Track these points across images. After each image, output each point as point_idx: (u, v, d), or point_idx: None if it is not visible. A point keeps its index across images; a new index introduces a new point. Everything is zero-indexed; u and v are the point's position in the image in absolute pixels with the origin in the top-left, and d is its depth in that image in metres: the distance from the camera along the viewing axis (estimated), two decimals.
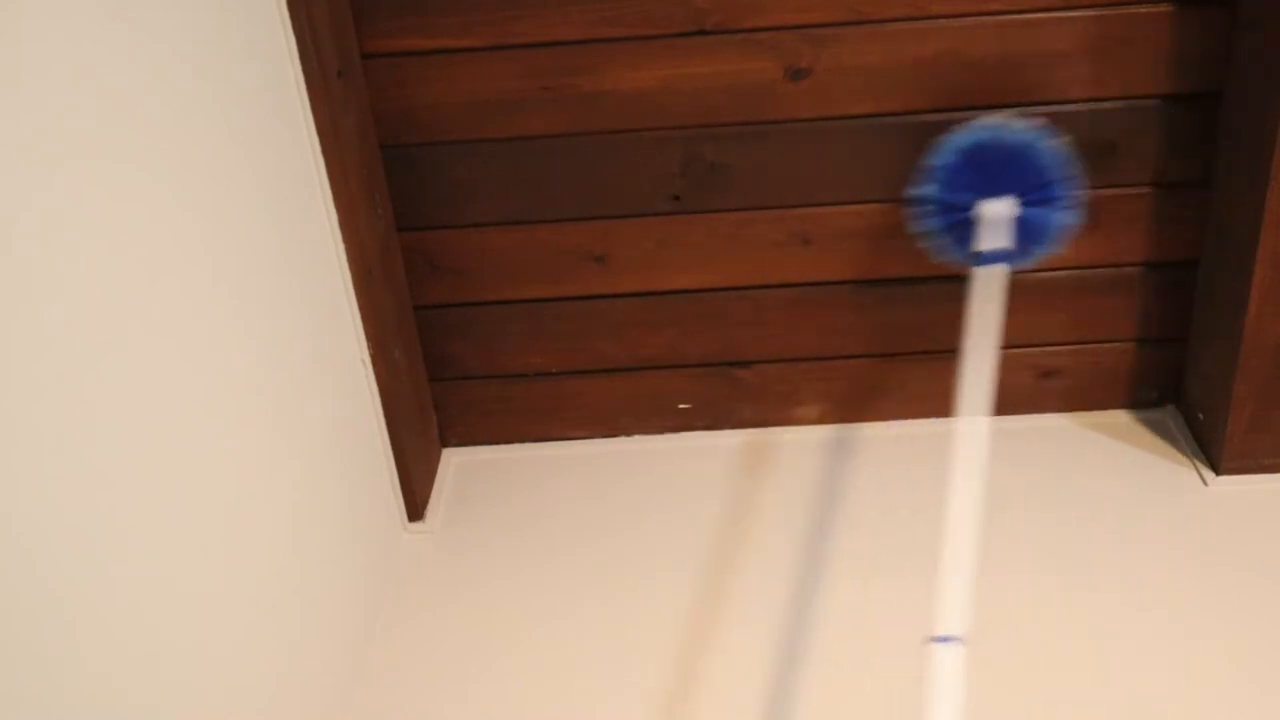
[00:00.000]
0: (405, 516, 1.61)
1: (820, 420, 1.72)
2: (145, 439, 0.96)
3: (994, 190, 1.25)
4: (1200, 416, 1.62)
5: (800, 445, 1.70)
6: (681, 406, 1.72)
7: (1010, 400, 1.70)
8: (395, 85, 1.47)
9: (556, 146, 1.52)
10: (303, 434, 1.29)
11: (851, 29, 1.44)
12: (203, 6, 1.10)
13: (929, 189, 1.27)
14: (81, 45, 0.90)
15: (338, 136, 1.36)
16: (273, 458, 1.21)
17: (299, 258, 1.30)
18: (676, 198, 1.55)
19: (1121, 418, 1.70)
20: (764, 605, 1.45)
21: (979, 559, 1.49)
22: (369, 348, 1.47)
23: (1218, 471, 1.58)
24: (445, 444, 1.76)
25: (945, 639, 1.02)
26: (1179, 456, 1.62)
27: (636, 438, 1.74)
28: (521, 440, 1.75)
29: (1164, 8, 1.42)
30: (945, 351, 1.66)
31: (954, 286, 1.61)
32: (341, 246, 1.40)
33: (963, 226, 1.27)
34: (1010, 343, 1.65)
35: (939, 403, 1.70)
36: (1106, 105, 1.48)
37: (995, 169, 1.25)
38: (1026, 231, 1.26)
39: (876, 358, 1.67)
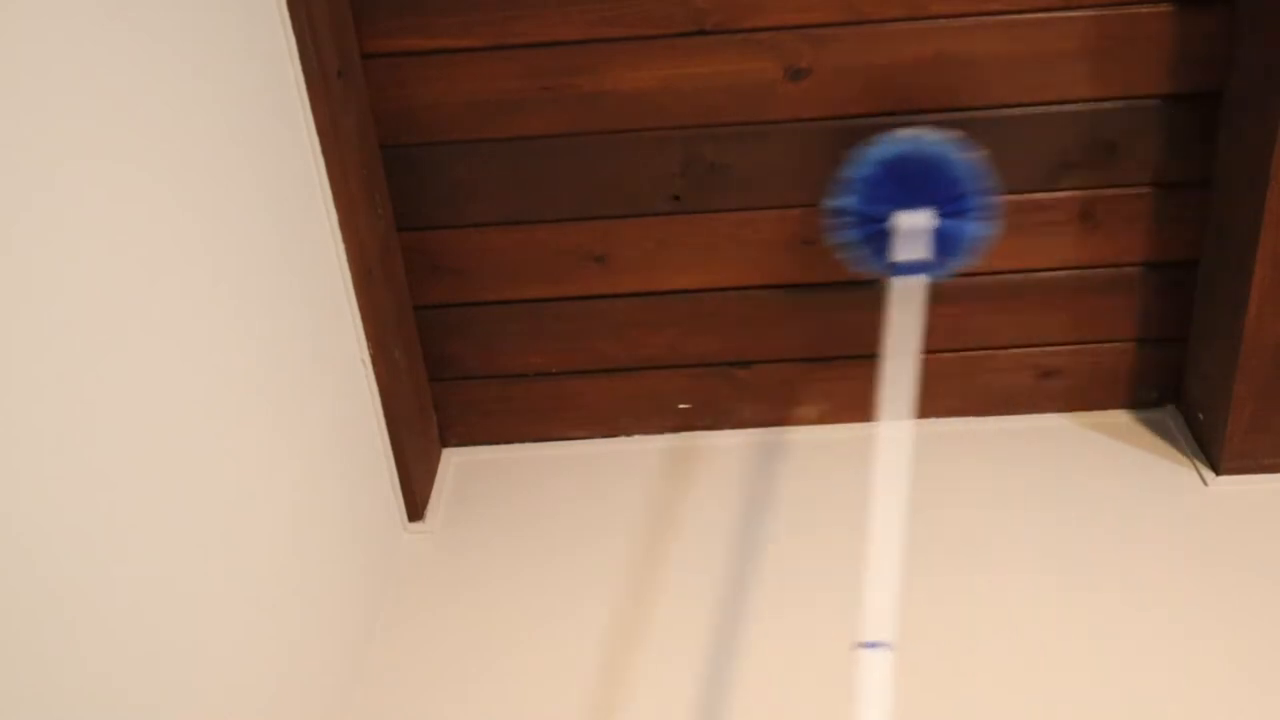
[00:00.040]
0: (405, 516, 1.61)
1: (820, 420, 1.72)
2: (145, 439, 0.96)
3: (911, 202, 1.27)
4: (1200, 416, 1.62)
5: (801, 445, 1.70)
6: (681, 406, 1.72)
7: (1010, 400, 1.70)
8: (395, 85, 1.47)
9: (556, 146, 1.52)
10: (303, 434, 1.29)
11: (851, 29, 1.44)
12: (203, 6, 1.10)
13: (847, 200, 1.29)
14: (81, 45, 0.90)
15: (338, 136, 1.36)
16: (273, 458, 1.21)
17: (299, 258, 1.30)
18: (676, 198, 1.55)
19: (1121, 418, 1.70)
20: (765, 604, 1.45)
21: (981, 560, 1.50)
22: (369, 348, 1.47)
23: (1218, 471, 1.58)
24: (445, 444, 1.76)
25: (873, 645, 1.02)
26: (1179, 456, 1.62)
27: (636, 438, 1.74)
28: (521, 440, 1.75)
29: (1164, 8, 1.42)
30: (944, 351, 1.66)
31: (952, 287, 1.61)
32: (341, 246, 1.40)
33: (881, 237, 1.29)
34: (1010, 343, 1.66)
35: (939, 403, 1.70)
36: (1106, 105, 1.48)
37: (913, 181, 1.27)
38: (943, 242, 1.27)
39: (877, 358, 1.67)
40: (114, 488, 0.91)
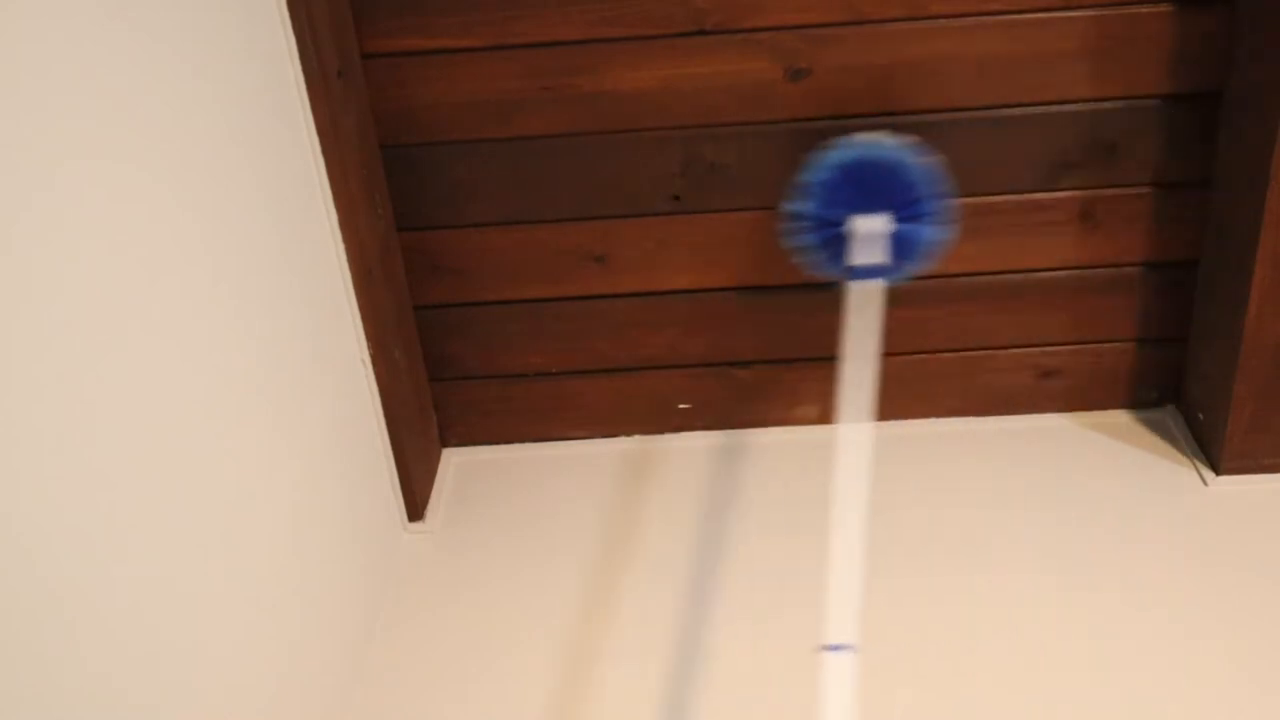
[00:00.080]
0: (405, 516, 1.61)
1: (820, 420, 1.72)
2: (145, 439, 0.96)
3: (868, 206, 1.27)
4: (1200, 416, 1.62)
5: (801, 445, 1.70)
6: (681, 406, 1.72)
7: (1010, 400, 1.70)
8: (395, 85, 1.47)
9: (556, 146, 1.52)
10: (303, 434, 1.29)
11: (851, 29, 1.44)
12: (203, 6, 1.10)
13: (804, 205, 1.29)
14: (81, 45, 0.90)
15: (338, 136, 1.36)
16: (273, 458, 1.21)
17: (299, 258, 1.30)
18: (676, 198, 1.55)
19: (1121, 418, 1.70)
20: (766, 605, 1.45)
21: (981, 560, 1.50)
22: (369, 348, 1.47)
23: (1218, 471, 1.58)
24: (445, 444, 1.76)
25: (836, 648, 1.02)
26: (1179, 456, 1.62)
27: (636, 438, 1.74)
28: (521, 440, 1.75)
29: (1164, 8, 1.42)
30: (944, 351, 1.66)
31: (952, 287, 1.61)
32: (341, 246, 1.40)
33: (838, 242, 1.30)
34: (1010, 343, 1.66)
35: (939, 403, 1.70)
36: (1106, 105, 1.48)
37: (869, 185, 1.27)
38: (900, 246, 1.28)
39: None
40: (114, 488, 0.91)
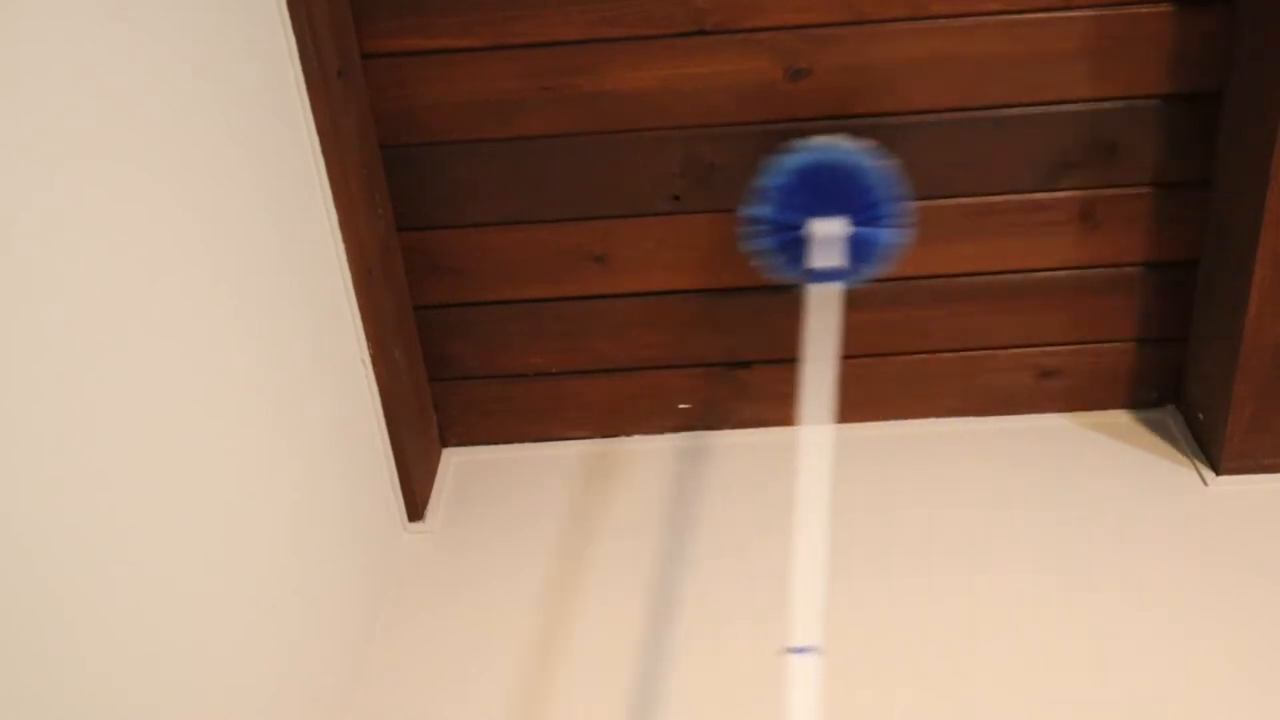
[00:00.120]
0: (405, 516, 1.61)
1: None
2: (145, 439, 0.96)
3: (826, 209, 1.28)
4: (1200, 416, 1.62)
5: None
6: (681, 406, 1.72)
7: (1010, 400, 1.70)
8: (395, 85, 1.47)
9: (556, 146, 1.52)
10: (303, 434, 1.29)
11: (851, 29, 1.44)
12: (203, 6, 1.10)
13: (762, 209, 1.30)
14: (81, 45, 0.90)
15: (338, 136, 1.36)
16: (273, 458, 1.21)
17: (299, 258, 1.30)
18: (676, 198, 1.55)
19: (1121, 418, 1.70)
20: (767, 604, 1.45)
21: (981, 560, 1.50)
22: (369, 348, 1.47)
23: (1218, 471, 1.58)
24: (445, 444, 1.76)
25: (801, 650, 1.02)
26: (1179, 456, 1.62)
27: (636, 438, 1.74)
28: (521, 440, 1.75)
29: (1164, 8, 1.42)
30: (945, 351, 1.66)
31: (952, 287, 1.61)
32: (341, 246, 1.40)
33: (796, 245, 1.30)
34: (1010, 343, 1.66)
35: (939, 403, 1.70)
36: (1106, 105, 1.48)
37: (827, 189, 1.28)
38: (858, 250, 1.29)
39: (877, 357, 1.67)
40: (114, 488, 0.91)
